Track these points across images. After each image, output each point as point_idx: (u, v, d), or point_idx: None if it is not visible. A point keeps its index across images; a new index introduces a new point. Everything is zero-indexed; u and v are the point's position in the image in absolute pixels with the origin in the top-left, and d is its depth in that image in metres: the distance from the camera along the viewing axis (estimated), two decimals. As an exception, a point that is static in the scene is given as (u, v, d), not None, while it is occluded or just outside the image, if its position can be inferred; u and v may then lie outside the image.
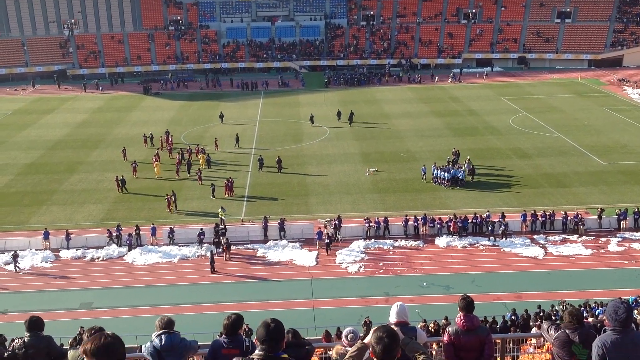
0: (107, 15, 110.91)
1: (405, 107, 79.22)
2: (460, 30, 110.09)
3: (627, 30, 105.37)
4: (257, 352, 6.33)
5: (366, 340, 6.36)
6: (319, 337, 28.96)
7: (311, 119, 72.19)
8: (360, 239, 43.08)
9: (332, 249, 41.32)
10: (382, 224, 43.75)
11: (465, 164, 53.33)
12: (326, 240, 41.46)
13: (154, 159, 56.95)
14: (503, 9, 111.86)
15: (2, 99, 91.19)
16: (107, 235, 43.18)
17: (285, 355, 6.33)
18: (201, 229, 43.41)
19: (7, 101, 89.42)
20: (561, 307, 30.41)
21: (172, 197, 48.55)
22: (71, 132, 71.53)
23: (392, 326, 8.62)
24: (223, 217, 45.19)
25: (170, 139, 64.01)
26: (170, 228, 43.49)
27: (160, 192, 51.55)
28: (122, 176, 53.08)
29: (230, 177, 52.13)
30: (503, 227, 42.69)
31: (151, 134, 66.22)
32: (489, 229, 43.32)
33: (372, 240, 43.07)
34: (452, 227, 42.92)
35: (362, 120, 72.77)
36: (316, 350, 12.06)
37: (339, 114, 73.59)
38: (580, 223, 43.10)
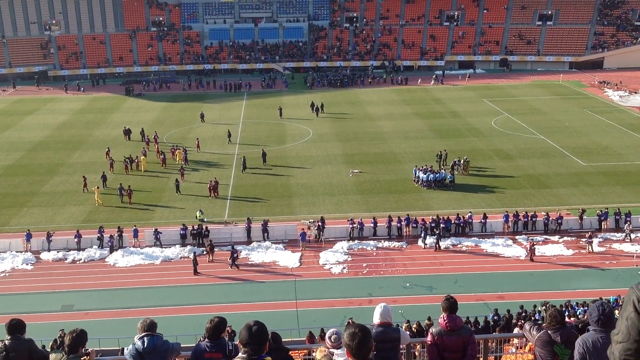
0: (89, 16, 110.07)
1: (389, 109, 79.41)
2: (443, 33, 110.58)
3: (607, 33, 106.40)
4: (240, 355, 6.29)
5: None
6: (303, 338, 28.97)
7: (280, 111, 75.97)
8: (344, 240, 43.13)
9: (236, 265, 39.68)
10: (364, 225, 43.80)
11: (460, 166, 54.35)
12: (233, 256, 39.80)
13: (141, 154, 58.35)
14: (485, 11, 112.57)
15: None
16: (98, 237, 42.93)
17: (269, 358, 6.30)
18: (183, 225, 43.53)
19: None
20: (543, 308, 30.61)
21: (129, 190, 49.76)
22: (52, 134, 70.90)
23: (377, 327, 8.66)
24: (204, 219, 45.06)
25: (155, 138, 63.84)
26: (156, 229, 43.26)
27: (143, 191, 51.38)
28: (103, 172, 53.64)
29: (214, 178, 51.94)
30: (438, 231, 42.51)
31: (129, 128, 67.68)
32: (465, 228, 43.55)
33: (356, 241, 43.10)
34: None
35: (344, 119, 73.03)
36: (300, 351, 12.06)
37: (312, 106, 76.87)
38: (589, 238, 41.23)
